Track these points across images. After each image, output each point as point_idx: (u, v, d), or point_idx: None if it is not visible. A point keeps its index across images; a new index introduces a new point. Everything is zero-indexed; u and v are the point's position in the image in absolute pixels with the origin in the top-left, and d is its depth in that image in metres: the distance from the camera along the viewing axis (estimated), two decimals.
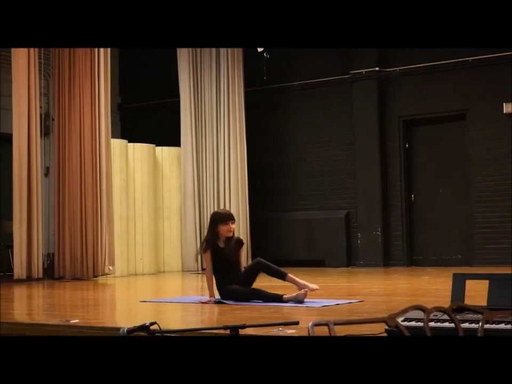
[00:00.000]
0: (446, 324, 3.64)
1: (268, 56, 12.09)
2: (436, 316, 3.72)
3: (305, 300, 6.73)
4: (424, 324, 2.53)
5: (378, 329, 3.88)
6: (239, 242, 7.22)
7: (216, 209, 13.28)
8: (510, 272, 4.45)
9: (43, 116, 12.27)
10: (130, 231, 12.37)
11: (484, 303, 3.95)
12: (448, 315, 2.58)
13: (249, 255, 12.50)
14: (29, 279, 10.83)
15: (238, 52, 13.31)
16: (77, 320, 5.76)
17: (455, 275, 4.10)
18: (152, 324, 3.15)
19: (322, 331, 2.52)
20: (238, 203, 13.11)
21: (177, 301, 7.52)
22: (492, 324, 3.61)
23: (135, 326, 3.12)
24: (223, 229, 7.08)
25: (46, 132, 12.55)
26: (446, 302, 3.79)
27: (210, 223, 7.21)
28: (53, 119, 12.13)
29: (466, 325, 3.60)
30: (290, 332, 4.50)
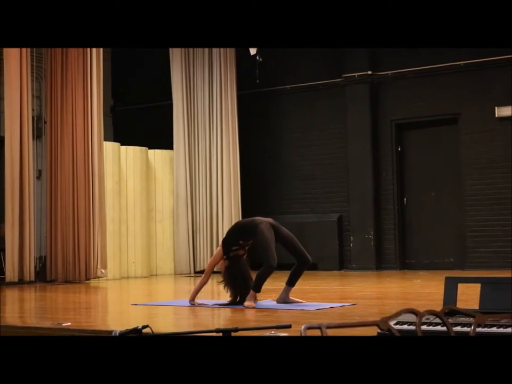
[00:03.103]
0: (438, 327, 3.65)
1: (261, 59, 12.07)
2: (428, 319, 3.72)
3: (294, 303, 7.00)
4: (416, 327, 2.53)
5: (371, 333, 3.88)
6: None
7: (208, 212, 13.28)
8: (501, 275, 4.46)
9: (35, 118, 12.23)
10: (122, 234, 12.35)
11: (476, 307, 3.96)
12: (440, 318, 2.58)
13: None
14: (21, 282, 10.80)
15: (230, 55, 13.32)
16: (69, 323, 5.75)
17: (447, 278, 4.11)
18: (144, 327, 3.14)
19: (315, 335, 2.52)
20: (230, 206, 13.11)
21: (170, 304, 7.52)
22: (484, 327, 3.61)
23: (127, 329, 3.12)
24: None
25: (38, 135, 12.52)
26: (438, 306, 3.79)
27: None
28: (45, 122, 12.10)
29: (458, 328, 3.61)
30: (283, 335, 4.50)
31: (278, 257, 7.06)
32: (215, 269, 7.34)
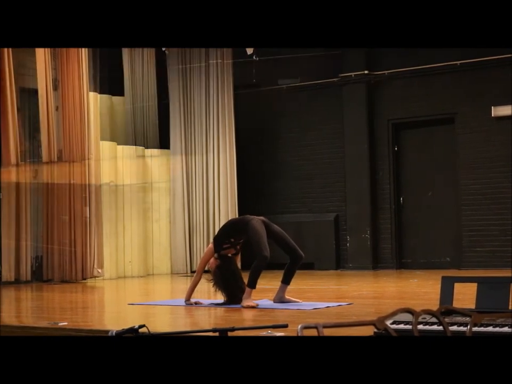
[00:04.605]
0: (435, 327, 3.66)
1: (257, 58, 12.09)
2: (425, 318, 3.73)
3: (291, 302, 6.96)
4: (412, 327, 2.53)
5: (367, 332, 3.89)
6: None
7: (205, 211, 13.27)
8: (498, 275, 4.47)
9: None
10: (119, 233, 12.35)
11: (472, 306, 3.96)
12: (437, 318, 2.58)
13: (239, 258, 12.46)
14: (17, 282, 10.79)
15: (227, 54, 13.31)
16: (66, 323, 5.75)
17: (443, 278, 4.12)
18: (141, 326, 3.14)
19: (312, 334, 2.52)
20: (227, 206, 13.11)
21: (166, 304, 7.51)
22: (480, 326, 3.62)
23: (123, 329, 3.12)
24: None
25: None
26: (434, 305, 3.80)
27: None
28: None
29: (454, 327, 3.61)
30: (279, 334, 4.50)
31: (273, 257, 7.04)
32: (205, 268, 7.33)
